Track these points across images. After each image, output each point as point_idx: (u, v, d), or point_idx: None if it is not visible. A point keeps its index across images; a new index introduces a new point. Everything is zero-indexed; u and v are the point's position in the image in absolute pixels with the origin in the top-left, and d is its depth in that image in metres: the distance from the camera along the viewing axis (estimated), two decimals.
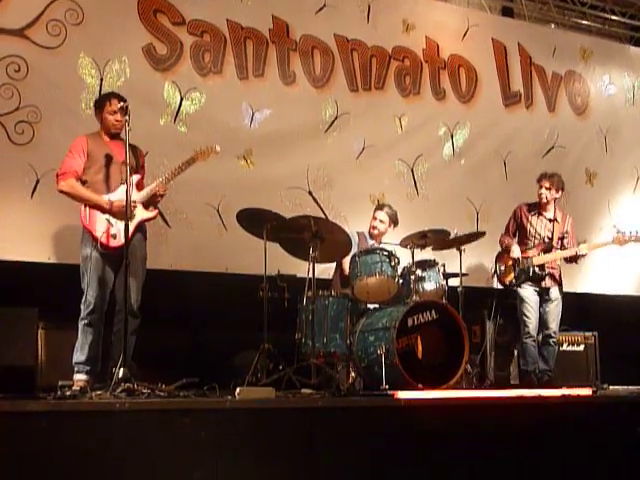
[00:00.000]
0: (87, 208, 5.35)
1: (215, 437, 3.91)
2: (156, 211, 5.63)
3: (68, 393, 4.36)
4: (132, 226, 5.25)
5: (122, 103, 5.22)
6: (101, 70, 6.84)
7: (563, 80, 9.31)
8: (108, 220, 5.32)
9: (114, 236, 5.27)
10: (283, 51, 7.72)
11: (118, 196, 5.31)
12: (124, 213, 5.06)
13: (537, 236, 7.12)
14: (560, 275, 7.13)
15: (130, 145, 5.30)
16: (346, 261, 6.61)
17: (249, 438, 4.00)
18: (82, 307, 5.27)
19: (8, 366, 4.54)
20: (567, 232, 7.16)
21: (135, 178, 5.44)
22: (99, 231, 5.29)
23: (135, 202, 5.34)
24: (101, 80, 6.83)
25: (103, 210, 5.32)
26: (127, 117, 5.02)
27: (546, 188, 7.10)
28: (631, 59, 9.87)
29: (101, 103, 5.60)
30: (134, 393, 4.42)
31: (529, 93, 9.08)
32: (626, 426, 4.91)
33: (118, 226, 5.27)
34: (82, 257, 5.35)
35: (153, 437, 3.81)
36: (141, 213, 5.44)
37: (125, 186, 5.12)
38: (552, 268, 7.03)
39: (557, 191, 7.13)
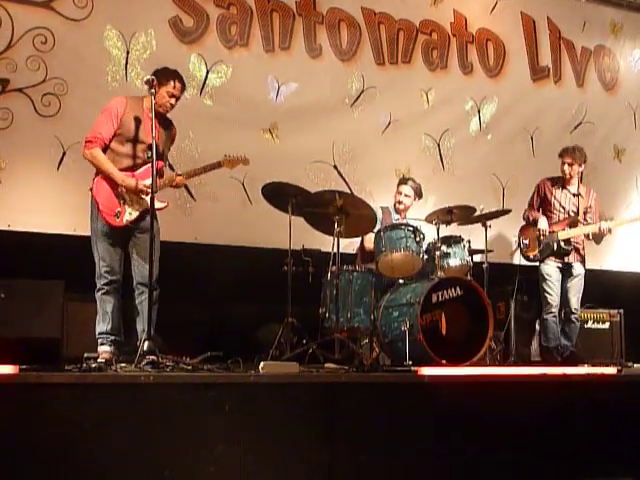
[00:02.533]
0: (101, 179, 5.28)
1: (239, 411, 3.94)
2: (166, 203, 5.46)
3: (93, 365, 4.38)
4: (138, 212, 5.24)
5: (177, 83, 5.23)
6: (127, 43, 6.84)
7: (592, 55, 9.19)
8: (116, 197, 5.25)
9: (117, 214, 5.22)
10: (310, 24, 7.67)
11: (142, 177, 5.26)
12: (137, 196, 5.24)
13: (561, 210, 7.07)
14: (584, 250, 7.07)
15: (168, 122, 5.36)
16: (368, 238, 6.61)
17: (272, 412, 4.02)
18: (97, 280, 5.26)
19: (34, 338, 4.58)
20: (590, 207, 7.11)
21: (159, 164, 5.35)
22: (104, 206, 5.24)
23: (148, 189, 5.10)
24: (127, 53, 6.83)
25: (118, 186, 5.26)
26: (153, 90, 4.95)
27: (568, 164, 7.06)
28: None
29: (164, 77, 5.30)
30: (159, 366, 4.43)
31: (558, 68, 8.97)
32: None
33: (125, 207, 5.25)
34: (92, 230, 5.31)
35: (177, 410, 3.84)
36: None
37: (147, 167, 5.13)
38: (577, 243, 6.98)
39: (580, 165, 7.07)
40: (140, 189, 5.24)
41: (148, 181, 5.06)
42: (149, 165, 5.00)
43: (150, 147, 4.93)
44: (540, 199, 7.19)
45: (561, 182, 7.15)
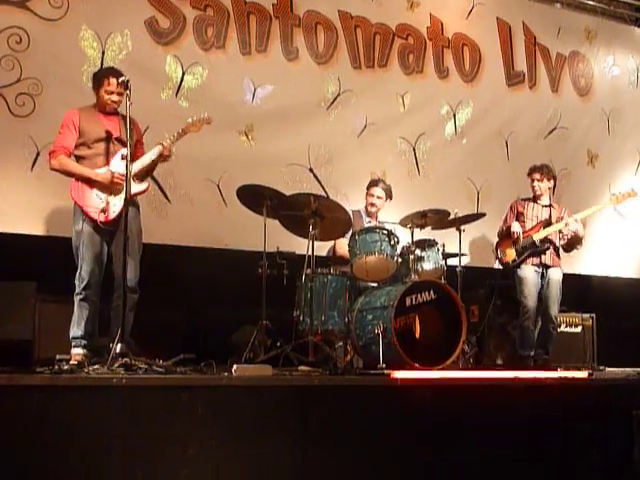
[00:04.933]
0: (78, 183, 5.34)
1: (211, 413, 3.92)
2: (146, 184, 5.58)
3: (65, 367, 4.36)
4: (121, 200, 5.21)
5: (122, 77, 5.17)
6: (103, 43, 6.81)
7: (567, 61, 9.28)
8: (97, 195, 5.31)
9: (103, 210, 5.26)
10: (286, 26, 7.68)
11: (116, 168, 5.30)
12: (116, 186, 5.25)
13: (534, 219, 7.15)
14: (559, 255, 7.13)
15: (126, 118, 5.30)
16: (339, 243, 6.62)
17: (245, 415, 4.01)
18: (76, 282, 5.25)
19: (6, 340, 4.56)
20: (562, 217, 7.14)
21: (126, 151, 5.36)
22: (89, 206, 5.28)
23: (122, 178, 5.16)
24: (102, 53, 6.80)
25: (95, 184, 5.31)
26: (128, 92, 5.01)
27: (538, 180, 7.19)
28: (636, 41, 9.83)
29: (99, 80, 5.50)
30: (131, 368, 4.42)
31: (533, 73, 9.04)
32: (622, 409, 4.92)
33: (107, 201, 5.29)
34: (74, 231, 5.33)
35: (149, 412, 3.82)
36: (132, 187, 5.23)
37: (119, 157, 5.26)
38: (553, 247, 7.04)
39: (549, 180, 7.20)
40: (116, 179, 5.28)
41: (122, 169, 5.13)
42: (119, 154, 5.33)
43: (114, 139, 5.34)
44: (514, 215, 7.27)
45: (532, 198, 7.26)
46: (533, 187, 7.20)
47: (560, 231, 7.06)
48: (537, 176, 7.17)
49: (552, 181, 7.22)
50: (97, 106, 5.53)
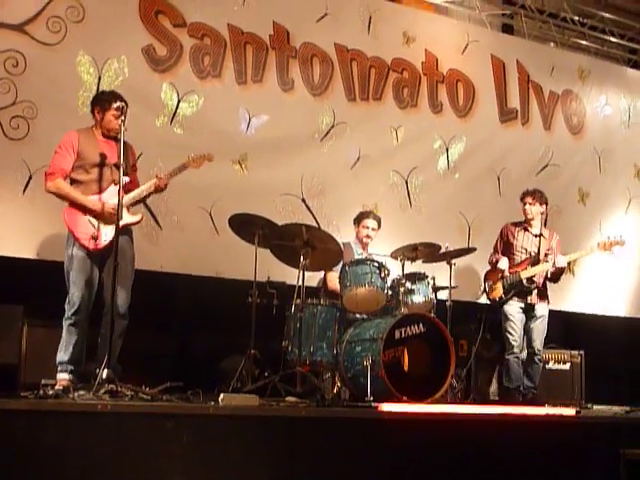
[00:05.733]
0: (72, 208, 5.32)
1: (197, 442, 3.90)
2: (140, 216, 5.58)
3: (50, 392, 4.33)
4: (113, 229, 5.18)
5: (119, 103, 5.19)
6: (99, 69, 6.82)
7: (560, 99, 9.35)
8: (90, 221, 5.29)
9: (95, 238, 5.24)
10: (283, 57, 7.72)
11: (110, 198, 5.28)
12: (109, 216, 5.21)
13: (523, 251, 7.14)
14: (547, 291, 7.13)
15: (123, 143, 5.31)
16: (330, 278, 6.62)
17: (231, 445, 3.99)
18: (66, 307, 5.22)
19: None
20: (551, 248, 7.14)
21: (124, 180, 5.36)
22: (80, 232, 5.25)
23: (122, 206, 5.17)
24: (99, 79, 6.81)
25: (88, 211, 5.29)
26: (123, 117, 5.03)
27: (530, 204, 7.17)
28: (628, 81, 9.94)
29: (106, 102, 5.43)
30: (117, 395, 4.39)
31: (525, 110, 9.11)
32: (609, 447, 4.91)
33: (99, 228, 5.27)
34: (66, 256, 5.30)
35: (134, 440, 3.79)
36: (125, 217, 5.29)
37: (114, 186, 5.20)
38: (540, 284, 7.04)
39: (541, 205, 7.18)
40: (106, 210, 5.26)
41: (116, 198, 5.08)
42: (114, 185, 5.25)
43: (113, 165, 5.22)
44: (503, 243, 7.27)
45: (523, 224, 7.24)
46: (524, 210, 7.18)
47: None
48: (529, 200, 7.15)
49: (544, 206, 7.20)
50: (100, 128, 5.48)
